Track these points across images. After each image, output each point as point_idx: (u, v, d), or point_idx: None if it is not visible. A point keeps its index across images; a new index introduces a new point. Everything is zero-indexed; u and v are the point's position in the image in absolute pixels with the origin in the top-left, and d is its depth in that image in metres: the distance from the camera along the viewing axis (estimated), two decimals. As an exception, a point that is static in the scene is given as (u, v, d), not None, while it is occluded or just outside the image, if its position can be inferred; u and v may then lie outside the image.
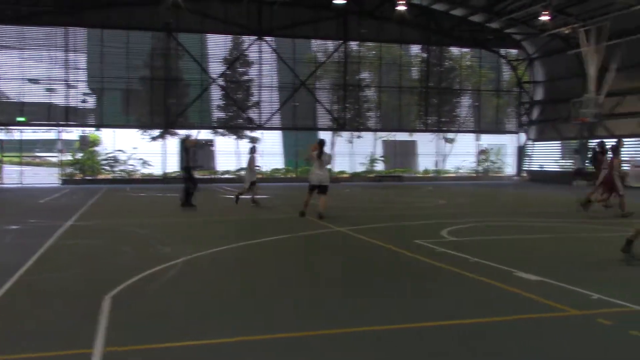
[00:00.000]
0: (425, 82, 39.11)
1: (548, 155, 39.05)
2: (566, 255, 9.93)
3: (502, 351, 4.89)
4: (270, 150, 36.40)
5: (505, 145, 41.82)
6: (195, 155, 18.01)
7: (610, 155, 15.81)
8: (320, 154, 14.64)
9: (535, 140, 40.09)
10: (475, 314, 5.97)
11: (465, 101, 40.55)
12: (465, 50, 40.02)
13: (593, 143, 34.79)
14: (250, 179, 18.25)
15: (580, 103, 30.92)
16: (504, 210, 17.83)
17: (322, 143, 15.03)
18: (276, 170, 37.84)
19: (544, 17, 30.64)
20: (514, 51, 40.29)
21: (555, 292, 6.82)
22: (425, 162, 40.88)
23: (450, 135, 40.14)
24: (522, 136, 40.90)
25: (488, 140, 41.59)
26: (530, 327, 5.55)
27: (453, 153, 40.23)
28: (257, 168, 19.50)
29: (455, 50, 39.97)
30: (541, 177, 37.34)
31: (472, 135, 41.01)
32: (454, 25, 37.11)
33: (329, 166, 15.55)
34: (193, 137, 19.80)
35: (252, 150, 19.03)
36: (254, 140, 36.98)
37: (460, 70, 40.23)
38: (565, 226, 13.80)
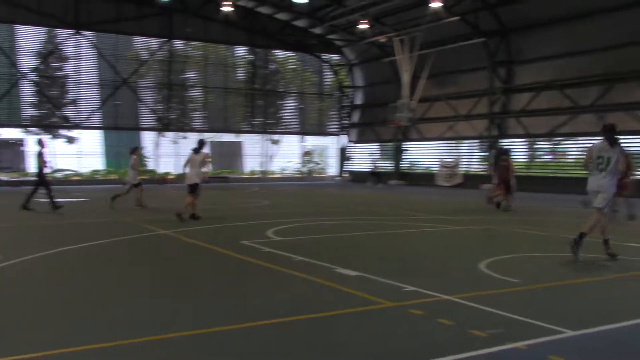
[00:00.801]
0: (251, 84, 39.43)
1: (367, 156, 41.04)
2: (384, 251, 10.54)
3: (322, 346, 5.07)
4: (90, 151, 34.58)
5: (327, 147, 43.44)
6: (42, 157, 16.58)
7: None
8: (194, 153, 14.47)
9: (355, 142, 42.06)
10: (298, 311, 6.12)
11: (290, 103, 41.47)
12: (289, 53, 40.92)
13: (404, 145, 37.28)
14: (133, 180, 17.87)
15: (396, 108, 32.92)
16: (327, 210, 18.48)
17: (200, 143, 14.76)
18: (96, 171, 36.00)
19: (363, 26, 32.27)
20: (336, 56, 41.95)
21: (372, 286, 7.20)
22: (251, 163, 41.21)
23: (275, 137, 40.82)
24: (344, 138, 42.72)
25: (312, 141, 42.95)
26: (349, 320, 5.81)
27: (279, 154, 40.96)
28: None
29: (280, 54, 40.72)
30: (362, 177, 39.18)
31: (296, 137, 42.10)
32: (279, 28, 37.82)
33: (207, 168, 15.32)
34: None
35: (133, 151, 18.50)
36: (71, 140, 34.92)
37: (285, 73, 41.06)
38: (384, 223, 14.63)
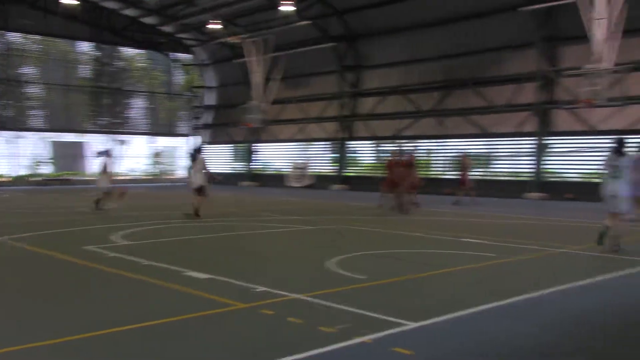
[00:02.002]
0: (96, 82, 37.59)
1: (221, 158, 40.66)
2: (235, 252, 10.49)
3: (171, 352, 4.93)
4: None
5: (178, 148, 42.46)
6: None
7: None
8: (194, 159, 16.30)
9: (209, 143, 41.51)
10: (144, 317, 5.91)
11: (139, 103, 40.05)
12: (138, 51, 39.53)
13: (256, 146, 37.44)
14: (106, 184, 17.53)
15: (247, 109, 32.95)
16: (177, 212, 18.04)
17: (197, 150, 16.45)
18: None
19: (214, 26, 31.95)
20: (187, 56, 41.14)
21: (223, 288, 7.14)
22: (96, 164, 39.21)
23: (123, 137, 39.22)
24: (196, 139, 41.99)
25: (162, 142, 41.75)
26: (200, 323, 5.71)
27: (126, 155, 39.38)
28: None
29: (127, 51, 39.20)
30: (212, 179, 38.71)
31: (146, 137, 40.74)
32: (126, 25, 36.43)
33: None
34: None
35: (108, 154, 18.26)
36: None
37: (133, 71, 39.60)
38: (236, 225, 14.58)
